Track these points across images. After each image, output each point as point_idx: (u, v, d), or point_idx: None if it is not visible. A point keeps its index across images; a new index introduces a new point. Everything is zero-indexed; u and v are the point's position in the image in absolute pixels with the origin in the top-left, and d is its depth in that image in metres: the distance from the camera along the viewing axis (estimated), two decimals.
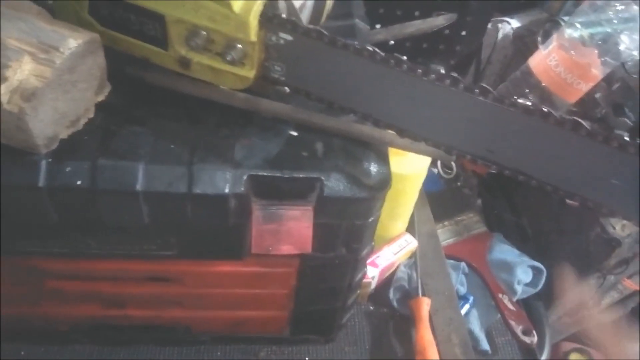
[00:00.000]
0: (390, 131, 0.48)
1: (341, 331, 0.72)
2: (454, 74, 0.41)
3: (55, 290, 0.58)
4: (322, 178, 0.48)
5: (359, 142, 0.51)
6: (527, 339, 0.73)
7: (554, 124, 0.39)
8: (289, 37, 0.45)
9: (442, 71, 0.41)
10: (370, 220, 0.52)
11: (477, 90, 0.40)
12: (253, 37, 0.45)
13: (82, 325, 0.65)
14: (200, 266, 0.56)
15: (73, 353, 0.68)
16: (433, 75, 0.41)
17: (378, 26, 0.88)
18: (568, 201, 0.42)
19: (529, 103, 0.39)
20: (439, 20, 0.86)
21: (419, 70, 0.42)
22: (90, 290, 0.59)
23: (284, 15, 0.45)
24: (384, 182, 0.50)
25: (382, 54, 0.42)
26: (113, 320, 0.64)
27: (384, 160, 0.51)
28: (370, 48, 0.43)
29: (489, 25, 0.98)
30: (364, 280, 0.71)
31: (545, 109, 0.39)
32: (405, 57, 0.42)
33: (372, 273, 0.73)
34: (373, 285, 0.75)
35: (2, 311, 0.58)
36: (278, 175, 0.48)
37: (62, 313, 0.62)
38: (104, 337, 0.68)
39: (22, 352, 0.68)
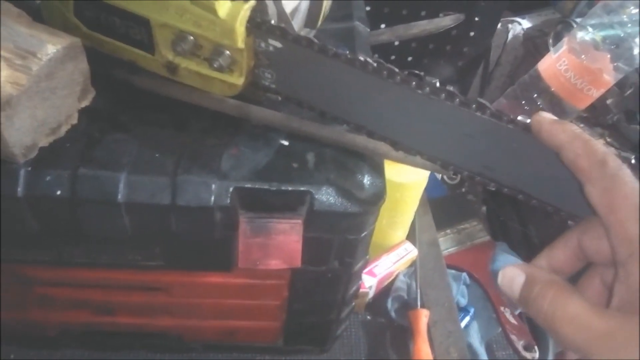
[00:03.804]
0: (383, 143, 0.46)
1: (337, 341, 0.70)
2: (450, 88, 0.38)
3: (43, 297, 0.57)
4: (312, 191, 0.46)
5: (352, 152, 0.49)
6: (528, 355, 0.71)
7: None
8: (278, 44, 0.43)
9: (437, 84, 0.38)
10: (363, 234, 0.50)
11: (474, 106, 0.38)
12: (240, 43, 0.43)
13: (72, 330, 0.63)
14: (188, 277, 0.54)
15: (63, 356, 0.67)
16: (428, 88, 0.39)
17: (383, 26, 0.86)
18: (570, 223, 0.40)
19: (528, 120, 0.36)
20: (446, 21, 0.84)
21: (413, 83, 0.39)
22: (78, 297, 0.57)
23: (273, 22, 0.43)
24: (378, 195, 0.47)
25: (374, 64, 0.40)
26: (103, 327, 0.62)
27: (378, 172, 0.49)
28: (362, 58, 0.40)
29: (499, 26, 0.95)
30: (361, 290, 0.69)
31: None
32: (398, 69, 0.39)
33: (370, 282, 0.71)
34: (370, 295, 0.73)
35: None
36: (266, 187, 0.45)
37: (52, 319, 0.61)
38: (94, 342, 0.67)
39: (12, 355, 0.67)
